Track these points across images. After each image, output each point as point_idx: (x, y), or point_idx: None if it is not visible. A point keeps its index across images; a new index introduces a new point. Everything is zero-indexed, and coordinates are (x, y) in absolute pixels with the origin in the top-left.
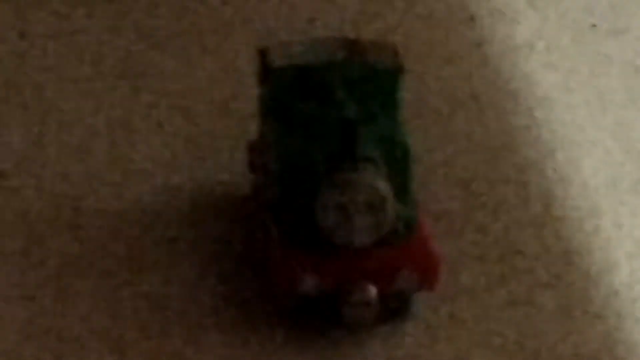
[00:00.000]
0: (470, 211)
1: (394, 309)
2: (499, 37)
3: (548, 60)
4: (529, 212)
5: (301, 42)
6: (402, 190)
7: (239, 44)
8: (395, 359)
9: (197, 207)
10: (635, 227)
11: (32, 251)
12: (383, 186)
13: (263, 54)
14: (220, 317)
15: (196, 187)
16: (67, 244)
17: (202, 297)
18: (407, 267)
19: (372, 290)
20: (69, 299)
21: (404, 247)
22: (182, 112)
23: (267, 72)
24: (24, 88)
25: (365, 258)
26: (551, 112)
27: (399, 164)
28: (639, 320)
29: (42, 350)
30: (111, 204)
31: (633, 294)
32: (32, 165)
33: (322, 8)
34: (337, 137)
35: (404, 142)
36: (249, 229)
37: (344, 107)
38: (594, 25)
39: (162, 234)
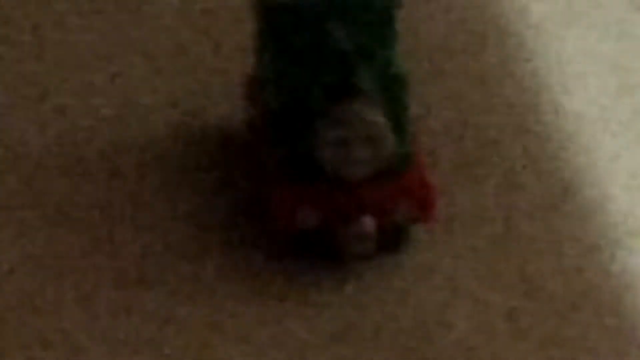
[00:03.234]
0: (466, 143)
1: (390, 240)
2: None
3: None
4: (524, 145)
5: None
6: (399, 122)
7: None
8: (391, 290)
9: (193, 141)
10: (630, 159)
11: (29, 189)
12: (381, 119)
13: None
14: (217, 254)
15: (192, 121)
16: (66, 180)
17: (199, 233)
18: (404, 199)
19: (371, 223)
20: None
21: (400, 180)
22: (177, 46)
23: (262, 8)
24: (22, 26)
25: (363, 191)
26: (546, 44)
27: (395, 96)
28: (634, 252)
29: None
30: (109, 139)
31: (628, 225)
32: (30, 101)
33: None
34: (335, 71)
35: (401, 74)
36: (246, 163)
37: (341, 40)
38: None
39: (159, 169)
